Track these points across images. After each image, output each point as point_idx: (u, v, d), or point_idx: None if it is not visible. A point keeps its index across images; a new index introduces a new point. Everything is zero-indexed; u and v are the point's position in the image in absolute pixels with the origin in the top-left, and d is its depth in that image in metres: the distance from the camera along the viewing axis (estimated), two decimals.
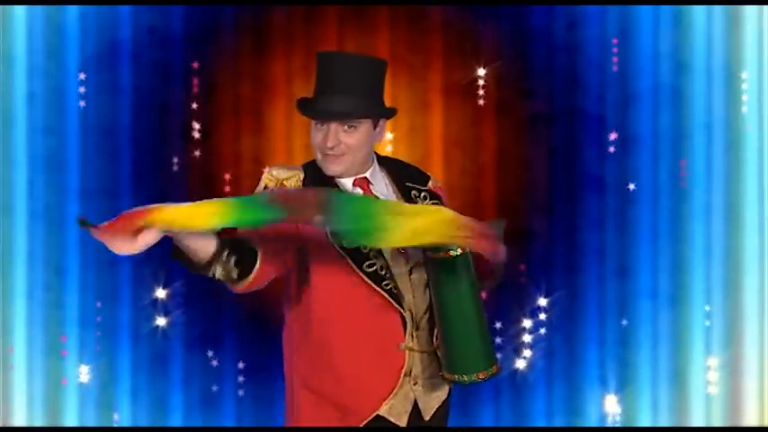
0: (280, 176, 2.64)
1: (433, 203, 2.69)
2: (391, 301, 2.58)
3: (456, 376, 2.56)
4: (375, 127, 2.64)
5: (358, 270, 2.57)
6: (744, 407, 4.19)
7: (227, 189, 4.18)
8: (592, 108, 4.18)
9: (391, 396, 2.61)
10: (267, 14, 4.18)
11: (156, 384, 4.20)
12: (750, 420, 4.19)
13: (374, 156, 2.72)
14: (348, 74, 2.57)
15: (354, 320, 2.61)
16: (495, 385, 4.19)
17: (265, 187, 2.63)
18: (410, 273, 2.63)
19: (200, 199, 4.05)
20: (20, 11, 4.14)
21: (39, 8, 4.13)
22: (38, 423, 4.16)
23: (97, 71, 4.16)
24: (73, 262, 4.18)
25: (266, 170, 2.67)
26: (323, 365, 2.62)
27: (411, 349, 2.62)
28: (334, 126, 2.57)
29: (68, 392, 4.18)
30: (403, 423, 2.63)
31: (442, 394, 2.70)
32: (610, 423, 4.19)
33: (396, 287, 2.60)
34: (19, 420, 4.15)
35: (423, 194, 2.71)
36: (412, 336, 2.62)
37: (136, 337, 4.19)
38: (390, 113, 2.69)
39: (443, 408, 2.71)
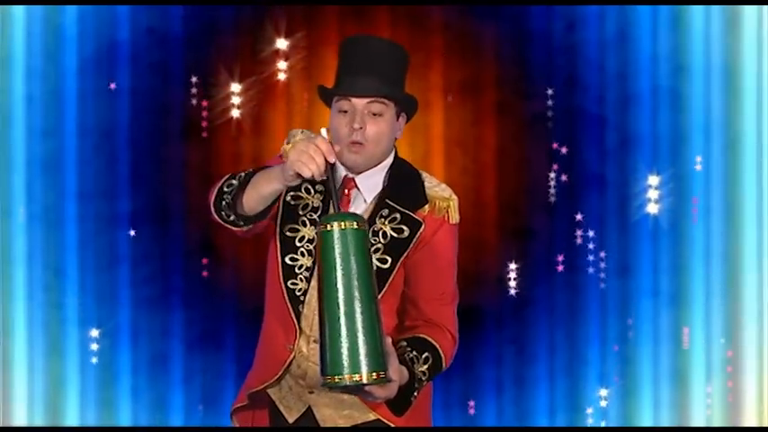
0: (293, 138, 2.60)
1: (395, 227, 2.55)
2: (286, 298, 2.56)
3: (325, 378, 2.17)
4: (397, 118, 2.58)
5: (280, 259, 2.57)
6: (744, 407, 4.19)
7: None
8: (592, 108, 4.18)
9: (272, 384, 2.63)
10: (267, 14, 4.17)
11: (157, 384, 4.21)
12: (750, 420, 4.19)
13: (393, 153, 2.64)
14: (378, 57, 2.50)
15: (272, 309, 2.63)
16: (497, 382, 4.20)
17: (281, 155, 2.59)
18: None
19: (199, 199, 4.07)
20: (18, 12, 4.13)
21: (37, 9, 4.12)
22: (38, 423, 4.15)
23: (96, 72, 4.16)
24: (72, 263, 4.18)
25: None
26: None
27: (300, 353, 2.58)
28: (360, 109, 2.49)
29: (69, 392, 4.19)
30: (291, 418, 2.65)
31: (357, 416, 2.62)
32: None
33: (303, 290, 2.56)
34: (19, 421, 4.15)
35: (394, 216, 2.57)
36: (308, 343, 2.58)
37: (136, 336, 4.20)
38: (414, 107, 2.61)
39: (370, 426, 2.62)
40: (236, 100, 4.17)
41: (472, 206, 4.13)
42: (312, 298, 2.55)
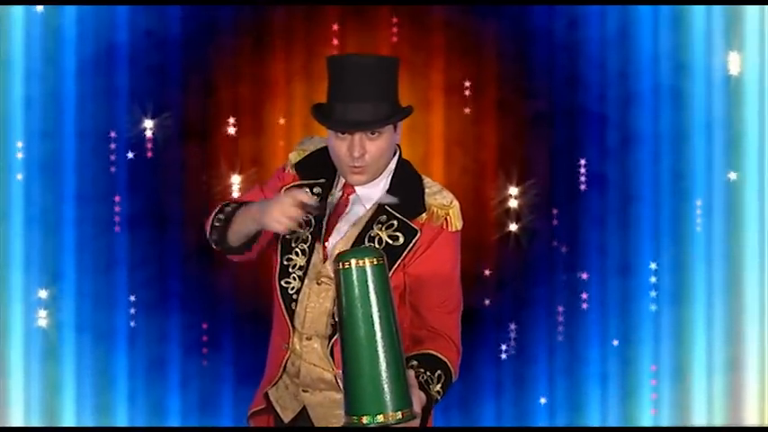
0: (303, 147, 2.68)
1: (390, 234, 2.53)
2: (279, 296, 2.58)
3: (350, 417, 2.13)
4: (395, 129, 2.55)
5: (279, 259, 2.59)
6: (744, 407, 4.19)
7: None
8: (593, 107, 4.19)
9: (274, 385, 2.65)
10: (267, 14, 4.17)
11: (155, 388, 4.19)
12: (750, 420, 4.19)
13: (395, 159, 2.61)
14: (368, 79, 2.45)
15: (275, 311, 2.64)
16: (496, 383, 4.20)
17: (284, 167, 2.67)
18: (318, 282, 2.56)
19: (197, 202, 4.05)
20: (17, 13, 4.11)
21: (36, 11, 4.11)
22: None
23: (94, 74, 4.15)
24: (69, 266, 4.16)
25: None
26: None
27: (294, 352, 2.59)
28: (358, 135, 2.46)
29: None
30: (287, 419, 2.65)
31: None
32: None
33: (296, 289, 2.57)
34: (16, 425, 4.12)
35: (392, 222, 2.54)
36: (300, 340, 2.58)
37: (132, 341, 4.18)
38: (409, 113, 2.57)
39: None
40: None
41: (472, 206, 4.13)
42: (305, 296, 2.56)
